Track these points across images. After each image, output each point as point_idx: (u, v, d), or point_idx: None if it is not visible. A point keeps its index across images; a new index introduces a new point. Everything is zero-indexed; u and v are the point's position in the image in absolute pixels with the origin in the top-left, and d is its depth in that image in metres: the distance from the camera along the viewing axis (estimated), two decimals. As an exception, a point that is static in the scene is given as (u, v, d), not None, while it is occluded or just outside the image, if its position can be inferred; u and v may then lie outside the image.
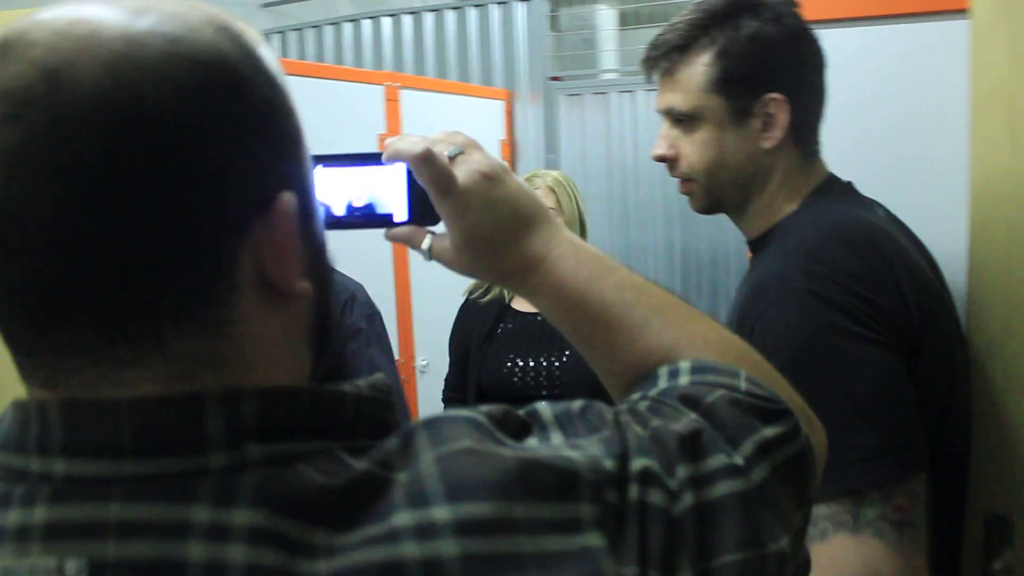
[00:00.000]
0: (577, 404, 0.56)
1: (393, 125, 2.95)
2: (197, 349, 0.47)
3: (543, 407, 0.56)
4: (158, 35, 0.45)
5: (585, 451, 0.51)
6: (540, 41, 3.69)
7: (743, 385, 0.60)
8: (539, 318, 2.27)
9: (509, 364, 2.24)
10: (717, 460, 0.54)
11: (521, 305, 2.32)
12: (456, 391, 2.47)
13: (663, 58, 1.21)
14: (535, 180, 2.29)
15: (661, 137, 1.24)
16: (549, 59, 3.72)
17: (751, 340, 0.82)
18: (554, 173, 2.33)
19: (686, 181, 1.25)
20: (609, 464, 0.50)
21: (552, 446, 0.52)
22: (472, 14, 3.77)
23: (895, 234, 1.15)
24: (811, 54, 1.19)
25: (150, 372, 0.46)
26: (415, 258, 2.76)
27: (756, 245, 1.25)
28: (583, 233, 2.30)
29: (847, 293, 1.03)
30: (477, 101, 3.42)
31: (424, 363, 3.06)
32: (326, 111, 2.74)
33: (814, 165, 1.22)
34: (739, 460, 0.54)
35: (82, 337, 0.45)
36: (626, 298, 0.68)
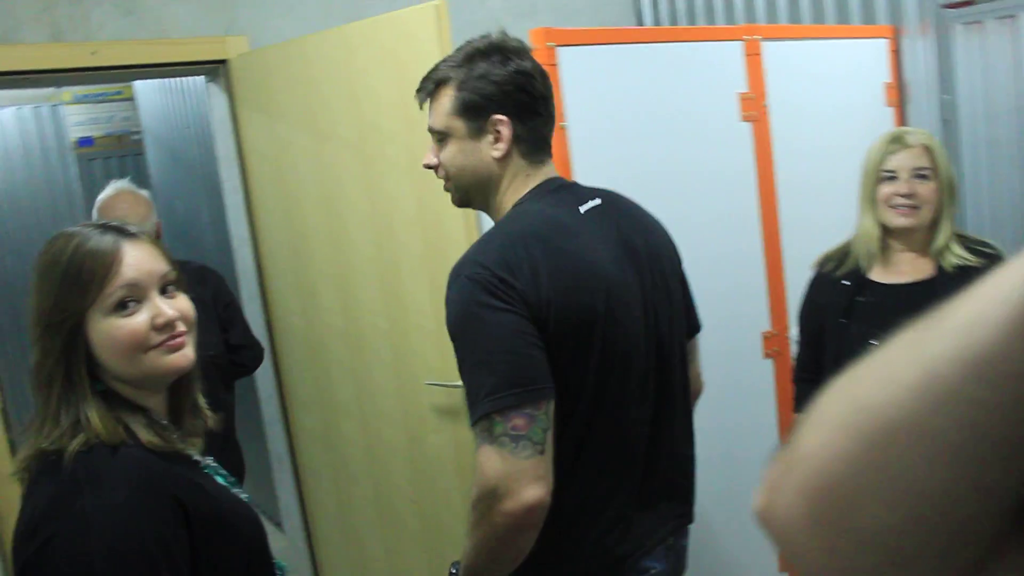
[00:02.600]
0: None
1: (755, 82, 2.69)
2: None
3: None
4: None
5: None
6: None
7: None
8: (903, 289, 2.08)
9: (873, 342, 1.99)
10: None
11: (881, 276, 2.12)
12: (809, 372, 2.31)
13: (428, 91, 1.63)
14: (906, 138, 2.07)
15: (430, 150, 1.65)
16: (943, -17, 3.17)
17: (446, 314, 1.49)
18: (923, 131, 2.14)
19: (447, 181, 1.66)
20: None
21: None
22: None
23: (572, 227, 1.56)
24: (532, 86, 1.58)
25: None
26: (787, 223, 2.51)
27: None
28: (953, 197, 2.13)
29: (491, 275, 1.44)
30: (855, 43, 3.01)
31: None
32: (681, 76, 2.57)
33: (539, 171, 1.62)
34: None
35: None
36: None
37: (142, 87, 4.75)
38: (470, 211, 2.52)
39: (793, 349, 2.76)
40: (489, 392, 1.40)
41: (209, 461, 1.36)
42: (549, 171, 1.63)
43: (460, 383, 1.49)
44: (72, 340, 1.19)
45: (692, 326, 1.81)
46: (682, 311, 1.75)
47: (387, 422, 2.76)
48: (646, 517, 1.63)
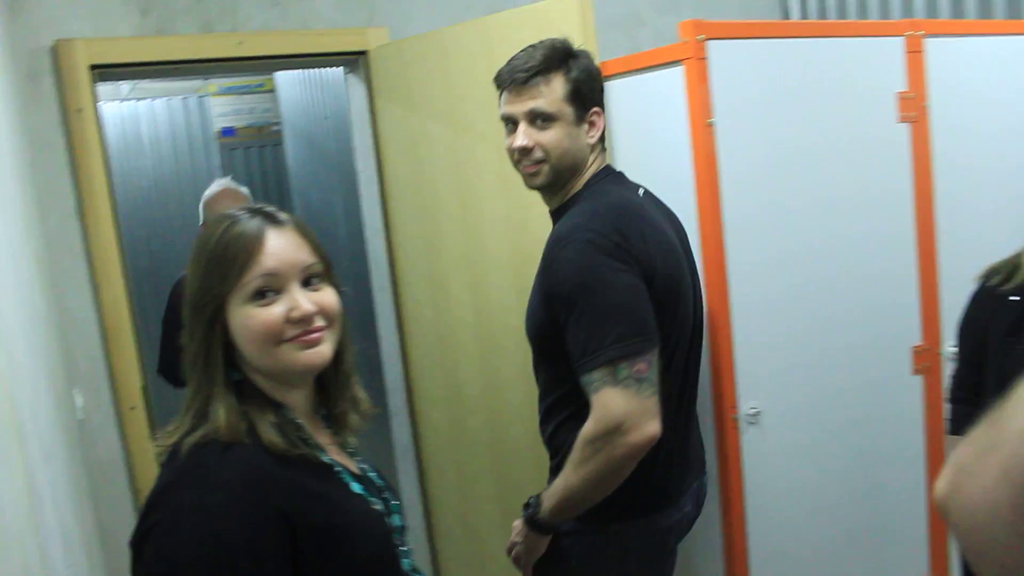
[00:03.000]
0: None
1: (916, 81, 2.52)
2: None
3: None
4: None
5: None
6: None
7: None
8: None
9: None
10: None
11: None
12: (967, 392, 2.12)
13: (533, 75, 1.80)
14: None
15: (521, 133, 1.81)
16: None
17: (548, 273, 1.73)
18: None
19: (537, 163, 1.82)
20: None
21: None
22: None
23: (646, 206, 1.83)
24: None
25: None
26: (944, 231, 2.37)
27: (556, 213, 1.87)
28: None
29: (607, 240, 1.65)
30: (1027, 40, 2.79)
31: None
32: (836, 73, 2.43)
33: (604, 159, 1.90)
34: None
35: None
36: None
37: (283, 79, 4.87)
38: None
39: (947, 366, 2.58)
40: (615, 340, 1.62)
41: (350, 464, 1.28)
42: (605, 159, 1.93)
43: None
44: (212, 325, 1.16)
45: None
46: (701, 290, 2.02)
47: (515, 421, 2.72)
48: (687, 460, 1.91)
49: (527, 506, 1.83)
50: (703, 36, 2.16)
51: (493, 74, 2.62)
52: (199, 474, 1.08)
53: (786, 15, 3.63)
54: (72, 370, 2.65)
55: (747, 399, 2.31)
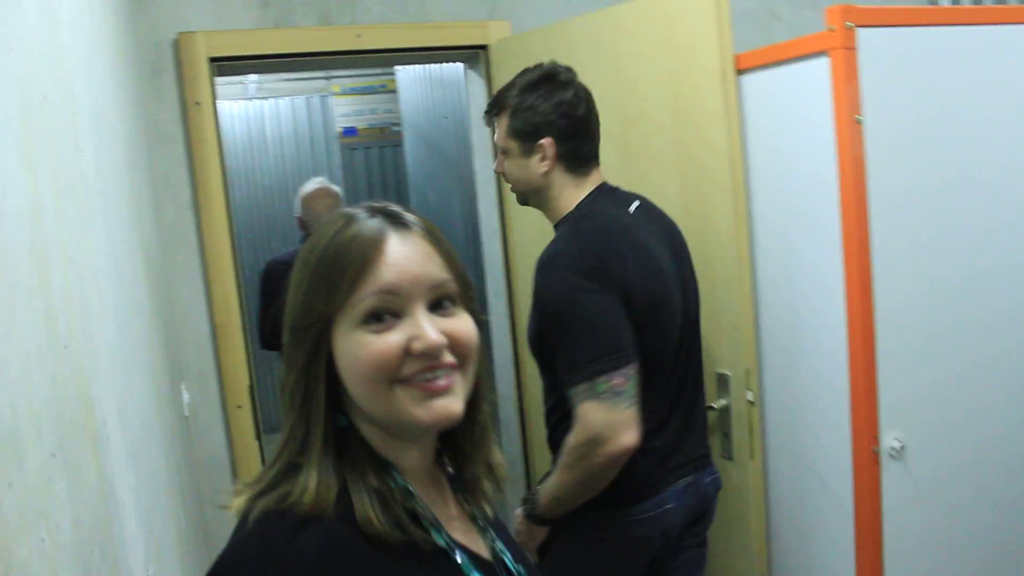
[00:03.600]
0: None
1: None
2: None
3: None
4: None
5: None
6: None
7: None
8: None
9: None
10: None
11: None
12: None
13: (492, 113, 2.01)
14: None
15: (498, 160, 2.05)
16: None
17: (536, 295, 1.86)
18: None
19: (512, 186, 2.05)
20: None
21: None
22: None
23: (633, 224, 1.92)
24: (573, 112, 1.93)
25: None
26: None
27: (555, 230, 2.00)
28: None
29: (586, 264, 1.80)
30: None
31: None
32: (1002, 63, 2.18)
33: (587, 179, 1.98)
34: None
35: None
36: None
37: (404, 80, 4.83)
38: (740, 206, 2.27)
39: None
40: (594, 357, 1.74)
41: (478, 545, 1.00)
42: (597, 178, 1.99)
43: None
44: (315, 355, 0.91)
45: None
46: (698, 295, 2.07)
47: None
48: (668, 457, 1.94)
49: (526, 501, 1.95)
50: (852, 23, 1.95)
51: (621, 67, 2.48)
52: (262, 556, 0.84)
53: None
54: (182, 365, 2.63)
55: (890, 428, 2.07)
